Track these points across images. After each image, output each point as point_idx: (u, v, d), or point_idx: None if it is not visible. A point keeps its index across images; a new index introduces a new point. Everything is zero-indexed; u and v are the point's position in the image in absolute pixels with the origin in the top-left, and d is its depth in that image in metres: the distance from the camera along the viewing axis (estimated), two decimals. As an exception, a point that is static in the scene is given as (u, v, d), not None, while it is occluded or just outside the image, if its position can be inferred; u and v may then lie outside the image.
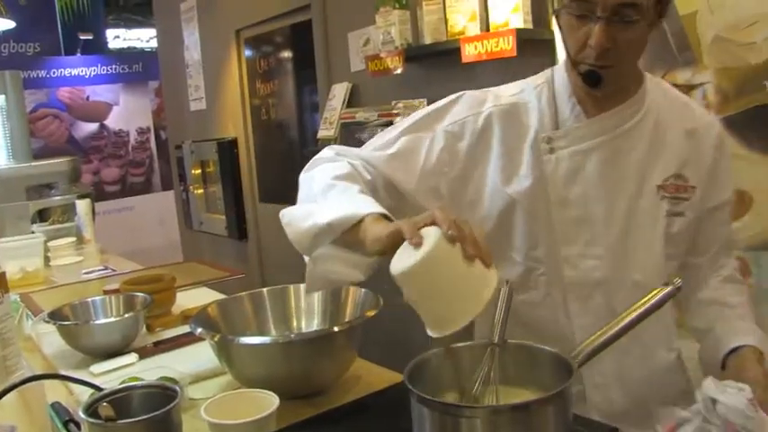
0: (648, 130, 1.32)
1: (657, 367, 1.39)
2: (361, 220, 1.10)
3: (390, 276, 0.98)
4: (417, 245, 0.95)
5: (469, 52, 2.46)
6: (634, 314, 1.03)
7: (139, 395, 1.19)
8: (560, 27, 1.27)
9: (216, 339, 1.41)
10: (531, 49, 2.39)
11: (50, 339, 1.90)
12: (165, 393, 1.17)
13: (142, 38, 12.79)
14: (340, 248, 1.18)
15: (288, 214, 1.26)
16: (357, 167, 1.32)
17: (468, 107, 1.38)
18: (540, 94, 1.35)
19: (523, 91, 1.37)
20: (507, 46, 2.32)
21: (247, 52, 4.34)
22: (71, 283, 2.71)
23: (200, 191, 4.87)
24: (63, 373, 1.59)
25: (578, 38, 1.22)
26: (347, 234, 1.13)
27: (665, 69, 2.09)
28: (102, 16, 8.78)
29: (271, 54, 4.20)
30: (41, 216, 3.67)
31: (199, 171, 4.85)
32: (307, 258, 1.24)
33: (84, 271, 2.96)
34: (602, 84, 1.24)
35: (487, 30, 2.49)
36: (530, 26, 2.40)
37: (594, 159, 1.31)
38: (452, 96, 1.41)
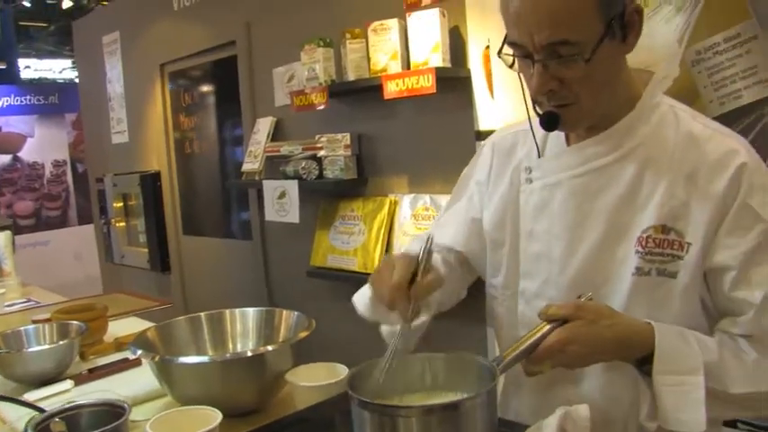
0: (631, 172, 1.21)
1: None
2: None
3: None
4: None
5: (391, 89, 2.59)
6: (550, 325, 1.13)
7: (88, 413, 1.24)
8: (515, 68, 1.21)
9: (156, 360, 1.47)
10: (450, 87, 2.54)
11: (-19, 369, 1.90)
12: (113, 411, 1.23)
13: (54, 68, 12.53)
14: None
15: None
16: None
17: (485, 152, 1.46)
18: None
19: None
20: (427, 83, 2.46)
21: (171, 86, 4.38)
22: (-5, 316, 2.70)
23: (122, 224, 4.84)
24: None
25: (529, 79, 1.17)
26: None
27: (695, 96, 2.16)
28: (14, 46, 8.62)
29: (195, 88, 4.26)
30: (-41, 250, 3.60)
31: (121, 204, 4.82)
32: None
33: (6, 304, 2.93)
34: (562, 125, 1.19)
35: (408, 68, 2.63)
36: (448, 65, 2.55)
37: (560, 195, 1.26)
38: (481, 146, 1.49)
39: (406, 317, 1.15)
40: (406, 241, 2.79)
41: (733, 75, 2.07)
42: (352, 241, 3.03)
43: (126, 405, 1.23)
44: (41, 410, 1.35)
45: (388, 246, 2.91)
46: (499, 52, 1.19)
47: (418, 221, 2.76)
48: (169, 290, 4.47)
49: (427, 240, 1.20)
